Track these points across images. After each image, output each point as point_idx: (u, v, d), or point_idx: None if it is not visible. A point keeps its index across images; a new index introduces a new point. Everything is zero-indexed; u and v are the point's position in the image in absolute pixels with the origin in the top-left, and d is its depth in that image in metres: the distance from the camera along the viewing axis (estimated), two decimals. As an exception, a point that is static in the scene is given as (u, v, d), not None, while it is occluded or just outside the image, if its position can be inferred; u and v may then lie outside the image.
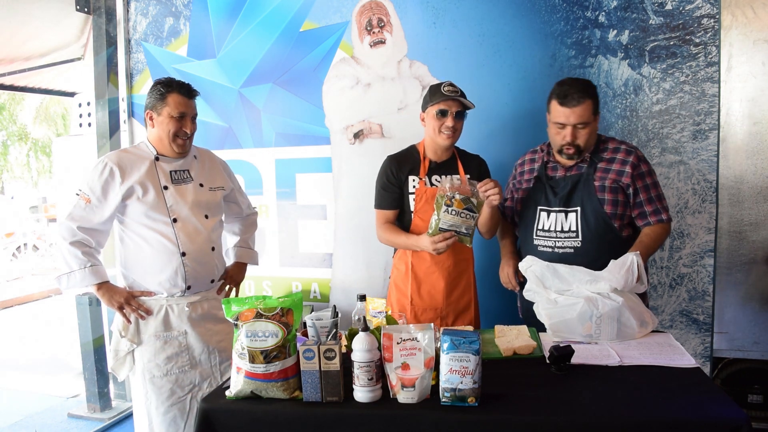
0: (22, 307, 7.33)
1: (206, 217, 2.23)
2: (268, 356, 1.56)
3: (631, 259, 1.91)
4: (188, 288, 2.18)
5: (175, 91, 2.12)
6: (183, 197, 2.17)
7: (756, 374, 2.86)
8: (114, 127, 3.53)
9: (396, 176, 2.32)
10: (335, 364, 1.54)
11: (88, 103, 4.19)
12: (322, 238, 3.18)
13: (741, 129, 2.74)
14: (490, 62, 2.83)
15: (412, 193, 2.30)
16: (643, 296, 2.22)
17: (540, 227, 2.17)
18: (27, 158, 13.86)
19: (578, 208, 2.10)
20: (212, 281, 2.29)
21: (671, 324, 2.70)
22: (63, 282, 2.10)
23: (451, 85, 2.24)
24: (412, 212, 2.31)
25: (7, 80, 4.81)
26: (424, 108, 2.29)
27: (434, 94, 2.23)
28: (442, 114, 2.21)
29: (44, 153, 13.64)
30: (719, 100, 2.56)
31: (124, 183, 2.09)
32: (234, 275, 2.44)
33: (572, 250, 2.10)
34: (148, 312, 2.14)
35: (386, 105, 2.99)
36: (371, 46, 3.01)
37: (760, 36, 2.67)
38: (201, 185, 2.25)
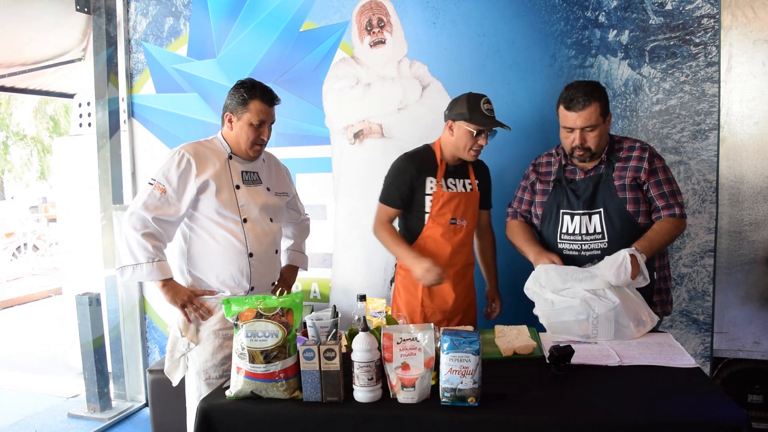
0: (22, 307, 7.33)
1: (271, 220, 2.21)
2: (268, 356, 1.56)
3: (623, 255, 1.91)
4: (251, 289, 2.15)
5: (257, 98, 2.07)
6: (253, 198, 2.14)
7: (756, 374, 2.86)
8: (114, 127, 3.53)
9: (411, 179, 2.29)
10: (335, 364, 1.54)
11: (88, 103, 4.19)
12: (322, 238, 3.18)
13: (741, 129, 2.74)
14: (490, 62, 2.83)
15: (429, 195, 2.29)
16: (666, 292, 2.24)
17: (564, 231, 2.16)
18: (29, 158, 13.86)
19: (601, 210, 2.10)
20: (273, 284, 2.28)
21: (671, 324, 2.70)
22: (126, 273, 2.01)
23: (489, 102, 2.23)
24: (426, 213, 2.30)
25: (7, 82, 4.82)
26: (455, 118, 2.24)
27: (474, 111, 2.19)
28: (479, 134, 2.22)
29: (46, 153, 13.64)
30: (719, 100, 2.56)
31: (200, 176, 2.04)
32: (287, 278, 2.43)
33: (599, 252, 2.09)
34: (209, 312, 2.09)
35: (386, 105, 2.99)
36: (371, 46, 3.01)
37: (760, 36, 2.67)
38: (268, 189, 2.23)
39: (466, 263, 2.37)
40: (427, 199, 2.29)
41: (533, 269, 2.14)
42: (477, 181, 2.37)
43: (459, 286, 2.34)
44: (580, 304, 1.91)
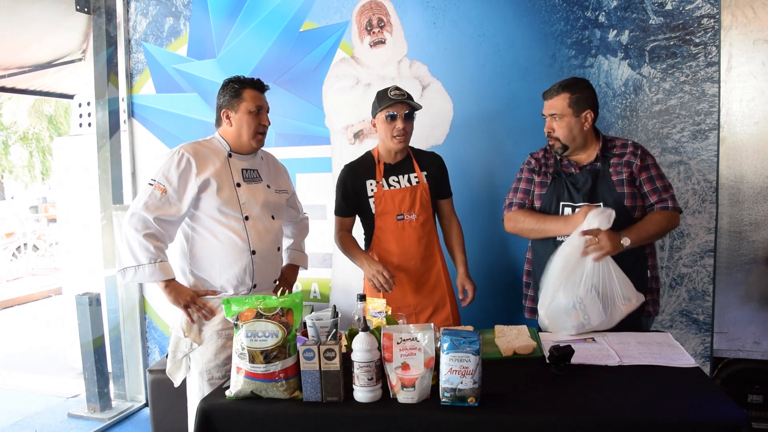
0: (22, 307, 7.33)
1: (273, 218, 2.22)
2: (268, 356, 1.56)
3: (609, 212, 1.97)
4: (254, 286, 2.15)
5: (249, 86, 2.12)
6: (254, 196, 2.15)
7: (756, 374, 2.86)
8: (114, 127, 3.54)
9: (352, 186, 2.40)
10: (335, 364, 1.54)
11: (88, 103, 4.19)
12: (322, 238, 3.18)
13: (741, 129, 2.74)
14: (490, 62, 2.83)
15: (371, 197, 2.37)
16: (657, 292, 2.25)
17: None
18: (30, 158, 13.85)
19: (601, 203, 2.12)
20: (275, 281, 2.28)
21: (671, 324, 2.70)
22: (128, 275, 2.01)
23: (397, 89, 2.30)
24: (374, 215, 2.38)
25: (7, 82, 4.82)
26: (374, 114, 2.34)
27: (382, 99, 2.29)
28: (392, 118, 2.27)
29: (43, 153, 13.64)
30: (719, 100, 2.56)
31: (200, 175, 2.05)
32: (288, 277, 2.44)
33: None
34: (212, 312, 2.09)
35: (386, 105, 2.99)
36: (371, 46, 3.01)
37: (760, 36, 2.67)
38: (268, 186, 2.24)
39: (425, 255, 2.39)
40: (371, 201, 2.37)
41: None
42: (425, 173, 2.40)
43: (419, 280, 2.39)
44: (564, 295, 1.94)
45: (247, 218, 2.12)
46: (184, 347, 2.12)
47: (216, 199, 2.07)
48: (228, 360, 2.06)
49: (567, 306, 1.95)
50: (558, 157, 2.23)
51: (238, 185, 2.13)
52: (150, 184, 2.05)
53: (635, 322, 2.11)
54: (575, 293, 1.94)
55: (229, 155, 2.15)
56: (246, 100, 2.10)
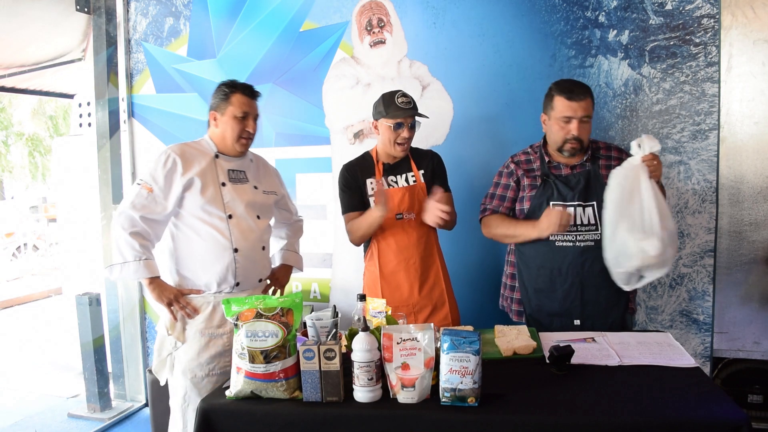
0: (22, 307, 7.33)
1: (258, 217, 2.24)
2: (268, 356, 1.57)
3: (653, 138, 1.99)
4: (237, 284, 2.17)
5: (238, 91, 2.15)
6: (239, 196, 2.18)
7: (756, 374, 2.86)
8: (114, 127, 3.53)
9: (354, 179, 2.39)
10: (335, 364, 1.54)
11: (88, 103, 4.19)
12: (322, 238, 3.18)
13: (741, 129, 2.74)
14: (490, 62, 2.83)
15: (371, 196, 2.37)
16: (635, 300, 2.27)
17: None
18: (31, 158, 13.83)
19: (594, 202, 2.14)
20: (260, 280, 2.30)
21: (671, 324, 2.70)
22: (115, 272, 2.07)
23: (404, 95, 2.29)
24: None
25: (7, 82, 4.82)
26: (377, 117, 2.34)
27: (388, 106, 2.27)
28: (399, 126, 2.27)
29: (42, 153, 13.64)
30: (719, 100, 2.56)
31: (185, 174, 2.09)
32: (280, 277, 2.45)
33: (593, 243, 2.13)
34: (196, 311, 2.13)
35: (386, 105, 2.99)
36: (371, 46, 3.01)
37: (760, 36, 2.67)
38: (255, 187, 2.26)
39: (424, 255, 2.39)
40: (371, 200, 2.37)
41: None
42: (422, 171, 2.41)
43: (419, 279, 2.37)
44: (662, 227, 1.93)
45: (230, 217, 2.15)
46: (168, 345, 2.15)
47: (200, 198, 2.10)
48: (211, 359, 2.11)
49: (670, 236, 1.95)
50: (545, 159, 2.24)
51: (223, 185, 2.16)
52: (138, 184, 2.11)
53: (622, 318, 2.18)
54: (671, 223, 1.94)
55: (216, 156, 2.19)
56: (233, 104, 2.13)
